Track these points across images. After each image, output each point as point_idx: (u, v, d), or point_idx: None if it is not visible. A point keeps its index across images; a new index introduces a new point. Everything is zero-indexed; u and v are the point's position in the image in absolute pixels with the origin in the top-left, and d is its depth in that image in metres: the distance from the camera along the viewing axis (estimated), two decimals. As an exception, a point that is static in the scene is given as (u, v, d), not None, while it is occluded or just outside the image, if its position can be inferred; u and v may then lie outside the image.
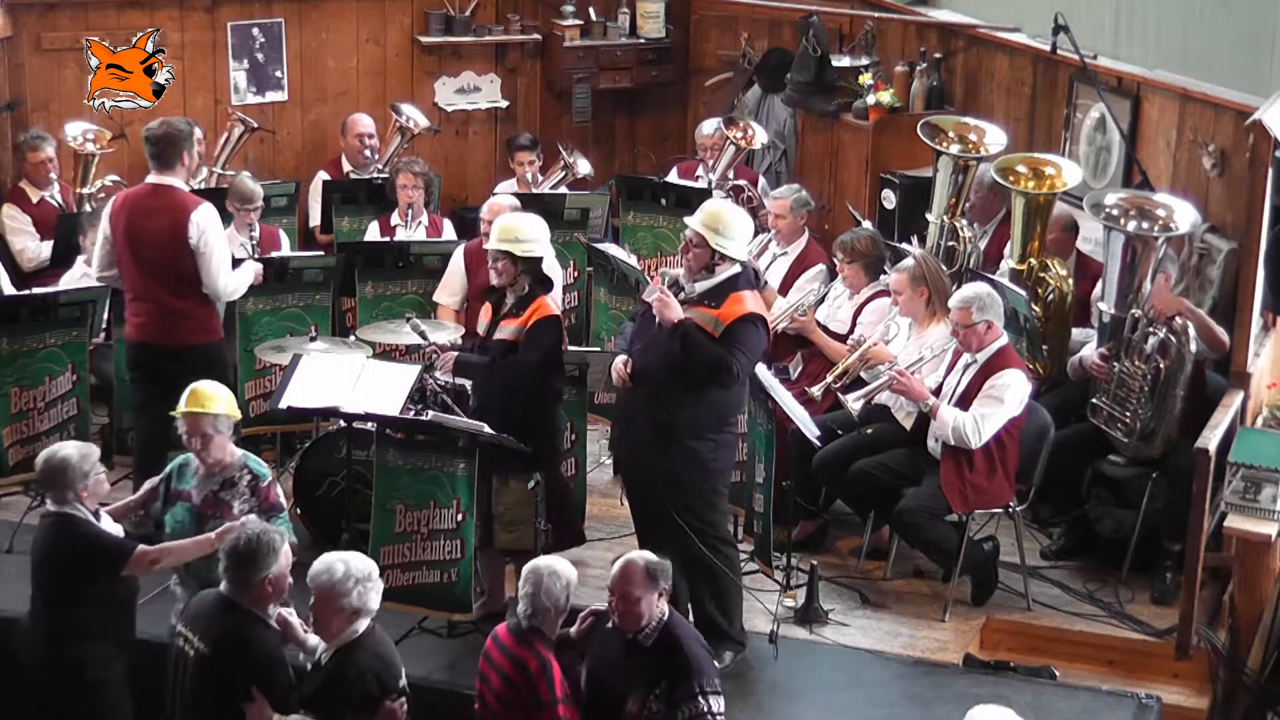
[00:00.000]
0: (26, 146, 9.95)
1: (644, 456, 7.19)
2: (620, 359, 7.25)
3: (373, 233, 9.85)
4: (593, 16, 11.78)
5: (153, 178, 8.02)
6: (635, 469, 7.42)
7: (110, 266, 8.15)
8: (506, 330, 7.49)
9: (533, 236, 7.49)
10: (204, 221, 7.90)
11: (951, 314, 7.85)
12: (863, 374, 8.27)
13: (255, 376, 8.81)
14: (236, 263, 8.39)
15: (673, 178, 10.42)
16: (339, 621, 5.85)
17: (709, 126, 10.51)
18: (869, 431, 8.11)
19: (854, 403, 7.92)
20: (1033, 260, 8.43)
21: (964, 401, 7.76)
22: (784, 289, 9.05)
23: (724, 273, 7.09)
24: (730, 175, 10.23)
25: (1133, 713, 7.06)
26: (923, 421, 7.91)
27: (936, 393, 7.85)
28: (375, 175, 10.34)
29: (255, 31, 11.05)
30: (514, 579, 7.76)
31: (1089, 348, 8.19)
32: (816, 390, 8.17)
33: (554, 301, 7.67)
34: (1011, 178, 8.52)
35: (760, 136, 10.44)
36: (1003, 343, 7.81)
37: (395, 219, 9.78)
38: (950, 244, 8.88)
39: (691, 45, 11.99)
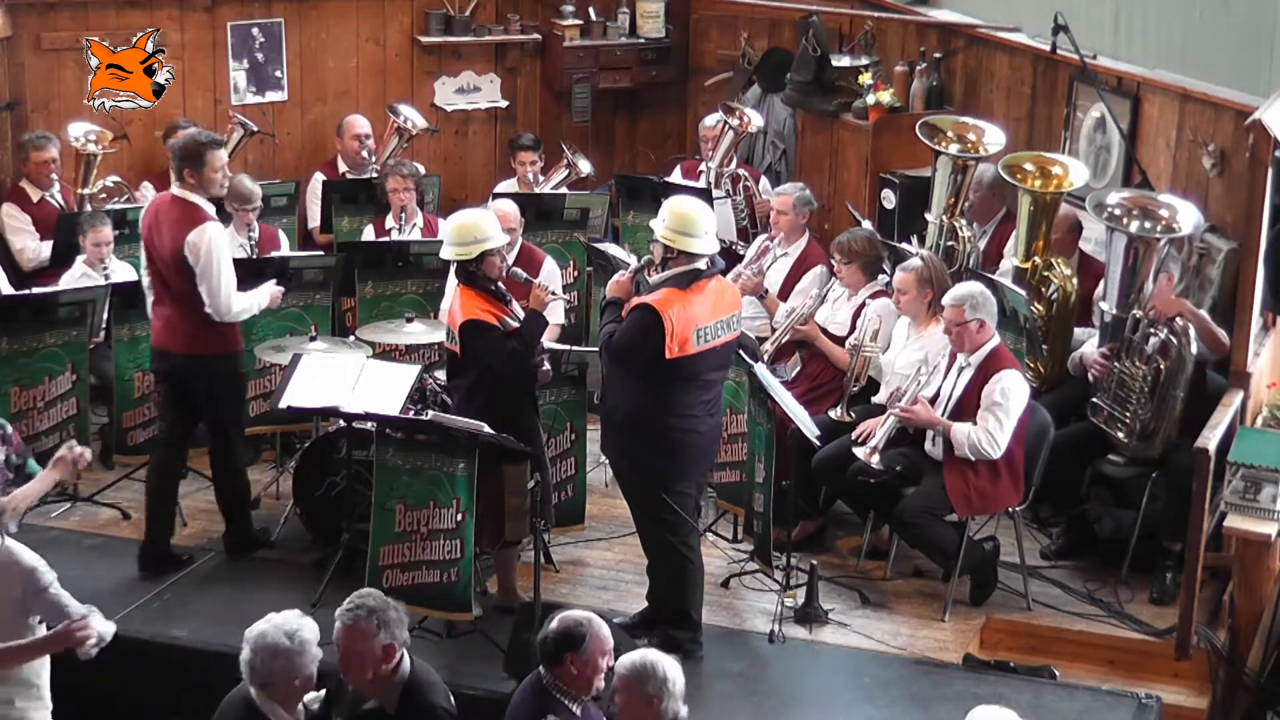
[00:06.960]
0: (31, 146, 9.93)
1: (614, 447, 7.42)
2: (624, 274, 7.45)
3: (368, 236, 9.83)
4: (593, 16, 11.77)
5: (174, 188, 7.94)
6: (613, 462, 7.62)
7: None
8: (520, 306, 7.60)
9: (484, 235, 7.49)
10: (202, 242, 7.68)
11: (944, 311, 7.86)
12: (871, 374, 8.36)
13: (255, 376, 8.78)
14: (255, 282, 8.19)
15: (676, 177, 10.44)
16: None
17: (711, 119, 10.57)
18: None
19: (874, 458, 7.74)
20: (1037, 259, 8.43)
21: (961, 405, 7.76)
22: (785, 290, 9.05)
23: (678, 267, 7.16)
24: (731, 161, 10.25)
25: (1133, 713, 7.06)
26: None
27: (933, 399, 7.86)
28: (374, 175, 10.34)
29: (255, 31, 11.04)
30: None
31: (1090, 345, 8.19)
32: (835, 413, 8.24)
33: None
34: (1019, 175, 8.51)
35: (755, 120, 10.47)
36: (995, 343, 7.80)
37: (390, 221, 9.77)
38: (949, 244, 8.88)
39: (691, 45, 11.99)
